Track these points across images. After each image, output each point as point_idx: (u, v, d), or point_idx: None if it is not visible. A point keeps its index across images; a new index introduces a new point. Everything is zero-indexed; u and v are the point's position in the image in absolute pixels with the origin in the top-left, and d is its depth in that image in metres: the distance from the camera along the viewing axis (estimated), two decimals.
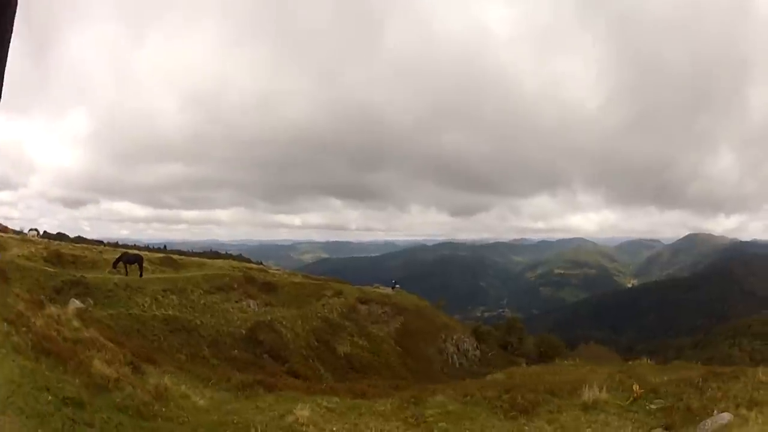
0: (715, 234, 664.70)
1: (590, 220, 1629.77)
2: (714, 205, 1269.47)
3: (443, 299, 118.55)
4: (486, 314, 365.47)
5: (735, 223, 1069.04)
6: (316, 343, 58.47)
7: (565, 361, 47.67)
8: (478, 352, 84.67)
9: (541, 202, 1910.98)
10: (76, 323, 25.60)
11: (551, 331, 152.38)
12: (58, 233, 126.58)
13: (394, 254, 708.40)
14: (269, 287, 66.40)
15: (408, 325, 76.68)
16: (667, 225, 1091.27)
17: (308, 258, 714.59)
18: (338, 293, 75.15)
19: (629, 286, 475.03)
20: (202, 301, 54.47)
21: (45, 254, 54.22)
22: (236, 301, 58.08)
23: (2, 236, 62.36)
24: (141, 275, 54.16)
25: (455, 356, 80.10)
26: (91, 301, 42.38)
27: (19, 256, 50.25)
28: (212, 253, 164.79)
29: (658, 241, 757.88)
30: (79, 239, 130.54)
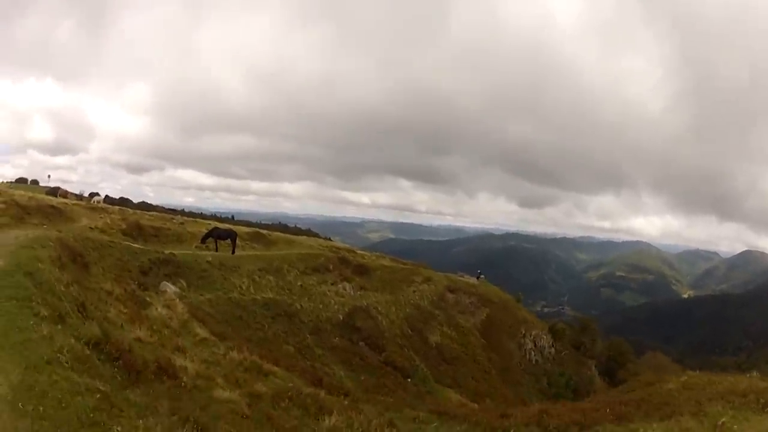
0: None
1: (653, 224, 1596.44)
2: None
3: (520, 293, 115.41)
4: (546, 309, 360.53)
5: None
6: (409, 332, 56.00)
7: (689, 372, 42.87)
8: (553, 350, 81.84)
9: (606, 201, 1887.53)
10: (199, 330, 23.70)
11: (607, 334, 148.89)
12: (121, 198, 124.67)
13: (461, 240, 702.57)
14: (362, 270, 63.45)
15: (492, 318, 74.21)
16: (725, 238, 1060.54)
17: (375, 237, 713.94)
18: (427, 280, 72.81)
19: (685, 296, 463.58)
20: (299, 283, 50.91)
21: (124, 226, 47.90)
22: (332, 284, 54.98)
23: (66, 203, 54.89)
24: (233, 252, 50.28)
25: (532, 352, 77.50)
26: (184, 283, 37.60)
27: (91, 228, 43.72)
28: (294, 229, 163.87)
29: (716, 253, 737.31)
30: (144, 204, 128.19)
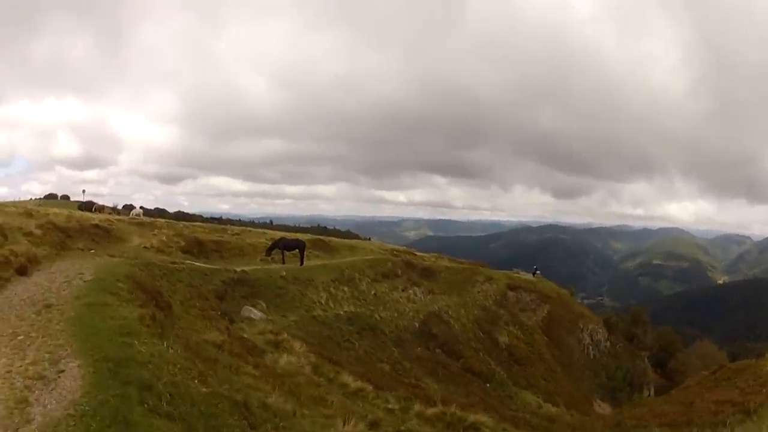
0: None
1: (686, 209, 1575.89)
2: None
3: (573, 288, 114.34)
4: (585, 301, 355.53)
5: None
6: (480, 334, 55.59)
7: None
8: (608, 344, 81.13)
9: (639, 188, 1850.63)
10: (346, 378, 21.32)
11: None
12: (156, 209, 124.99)
13: (498, 235, 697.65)
14: (428, 273, 62.60)
15: (553, 314, 73.72)
16: (756, 221, 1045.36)
17: (412, 235, 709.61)
18: (489, 279, 72.08)
19: (720, 282, 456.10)
20: (372, 292, 48.95)
21: (182, 243, 42.99)
22: (402, 290, 53.72)
23: (110, 220, 48.56)
24: (302, 263, 46.56)
25: (590, 347, 76.88)
26: (263, 304, 34.17)
27: (146, 247, 39.08)
28: (335, 231, 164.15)
29: (748, 237, 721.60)
30: (180, 214, 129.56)
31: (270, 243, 48.49)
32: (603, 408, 60.38)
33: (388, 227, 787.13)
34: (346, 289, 46.00)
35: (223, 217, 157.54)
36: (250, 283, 36.16)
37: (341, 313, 40.61)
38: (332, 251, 59.50)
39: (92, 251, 31.57)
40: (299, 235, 63.10)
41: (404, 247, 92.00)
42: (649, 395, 75.95)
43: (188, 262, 36.35)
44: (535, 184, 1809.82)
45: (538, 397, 47.55)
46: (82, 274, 21.17)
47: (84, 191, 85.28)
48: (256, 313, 30.72)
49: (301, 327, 33.44)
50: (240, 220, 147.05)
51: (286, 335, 25.46)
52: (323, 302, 40.69)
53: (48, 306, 16.25)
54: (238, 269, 37.79)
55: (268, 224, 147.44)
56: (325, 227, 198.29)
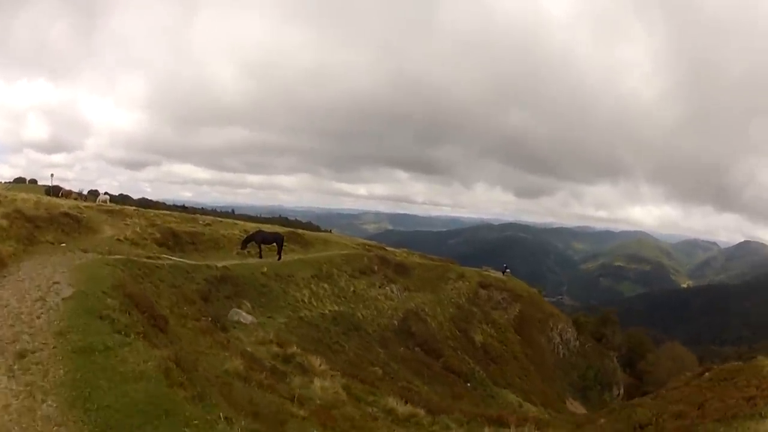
0: None
1: (651, 213, 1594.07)
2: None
3: (541, 287, 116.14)
4: (545, 299, 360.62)
5: None
6: (457, 333, 56.48)
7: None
8: (577, 343, 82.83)
9: (603, 190, 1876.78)
10: (391, 401, 19.96)
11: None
12: (120, 195, 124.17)
13: (458, 231, 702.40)
14: (403, 269, 63.38)
15: (524, 313, 74.82)
16: (723, 228, 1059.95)
17: (372, 228, 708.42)
18: (461, 276, 73.18)
19: (684, 286, 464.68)
20: (351, 289, 49.22)
21: (157, 235, 41.45)
22: (379, 286, 54.13)
23: (80, 207, 46.70)
24: (279, 258, 46.38)
25: (560, 346, 78.30)
26: (248, 304, 33.20)
27: (120, 240, 37.29)
28: (306, 224, 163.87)
29: (714, 243, 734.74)
30: (144, 201, 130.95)
31: (246, 235, 47.91)
32: (575, 406, 61.90)
33: (348, 220, 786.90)
34: (326, 286, 45.90)
35: (186, 205, 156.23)
36: (233, 281, 35.66)
37: (326, 312, 40.55)
38: (307, 245, 59.36)
39: (63, 245, 30.48)
40: (278, 228, 62.93)
41: (374, 242, 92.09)
42: (618, 395, 77.85)
43: (165, 256, 35.51)
44: (498, 182, 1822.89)
45: (517, 396, 48.61)
46: (58, 283, 18.87)
47: (52, 175, 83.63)
48: (245, 317, 30.13)
49: (292, 330, 33.17)
50: (203, 208, 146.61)
51: (296, 348, 24.73)
52: (306, 300, 40.49)
53: (22, 356, 12.31)
54: (219, 265, 37.25)
55: (230, 213, 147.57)
56: (287, 218, 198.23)
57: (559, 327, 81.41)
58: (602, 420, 26.42)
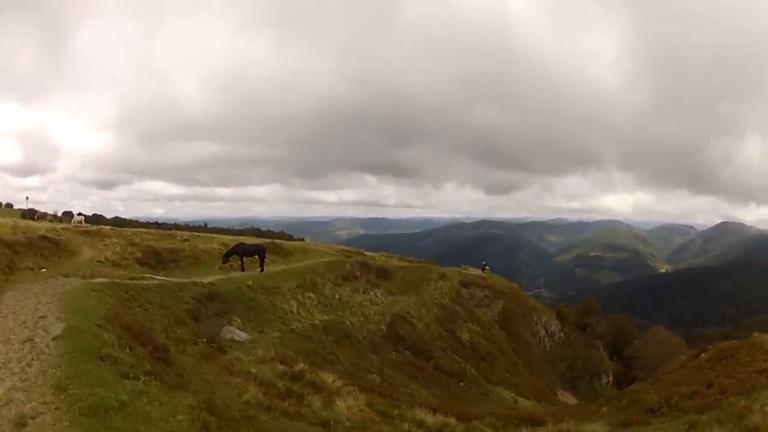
0: (746, 224, 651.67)
1: (625, 201, 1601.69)
2: (745, 193, 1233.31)
3: (518, 282, 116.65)
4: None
5: (765, 214, 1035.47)
6: (444, 333, 56.46)
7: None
8: (562, 335, 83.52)
9: (574, 181, 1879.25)
10: (420, 414, 19.05)
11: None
12: (94, 215, 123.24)
13: (431, 231, 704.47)
14: (384, 273, 62.92)
15: (507, 309, 75.53)
16: (700, 211, 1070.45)
17: (345, 234, 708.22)
18: (442, 276, 73.52)
19: (662, 271, 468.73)
20: (336, 296, 48.57)
21: (138, 254, 40.97)
22: (363, 292, 53.78)
23: (56, 229, 47.01)
24: (262, 270, 45.42)
25: (545, 339, 78.90)
26: (239, 320, 32.45)
27: (101, 261, 36.78)
28: (285, 235, 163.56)
29: (691, 227, 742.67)
30: (118, 220, 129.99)
31: (226, 249, 47.31)
32: (566, 397, 62.32)
33: (321, 227, 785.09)
34: (312, 295, 45.35)
35: (159, 222, 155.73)
36: (221, 298, 34.72)
37: (316, 323, 39.96)
38: (287, 255, 58.93)
39: (44, 270, 29.81)
40: (253, 239, 62.62)
41: (352, 248, 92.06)
42: (608, 383, 78.68)
43: (149, 276, 34.86)
44: (467, 180, 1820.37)
45: (510, 392, 48.88)
46: (44, 318, 17.71)
47: (27, 198, 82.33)
48: (239, 334, 29.26)
49: (286, 343, 32.43)
50: (176, 224, 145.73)
51: (302, 365, 23.82)
52: (295, 312, 39.94)
53: (21, 425, 10.23)
54: (206, 281, 36.48)
55: (204, 228, 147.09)
56: (260, 229, 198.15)
57: (543, 320, 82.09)
58: (604, 408, 26.52)
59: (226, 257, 44.79)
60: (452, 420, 18.64)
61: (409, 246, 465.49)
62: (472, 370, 50.10)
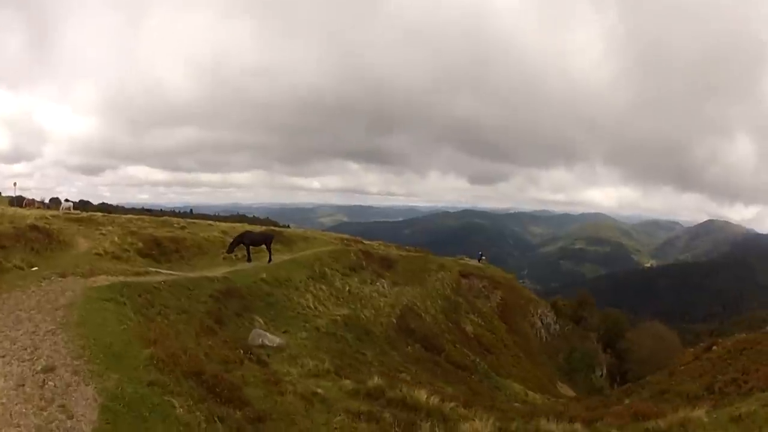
0: (733, 222, 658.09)
1: (609, 195, 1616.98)
2: (732, 192, 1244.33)
3: (514, 272, 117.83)
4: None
5: (752, 214, 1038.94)
6: (451, 325, 56.25)
7: None
8: (557, 327, 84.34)
9: (559, 174, 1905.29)
10: None
11: None
12: (81, 201, 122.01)
13: (415, 220, 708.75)
14: (387, 263, 62.10)
15: (506, 300, 76.50)
16: (685, 207, 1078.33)
17: (328, 221, 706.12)
18: (441, 267, 73.67)
19: (647, 265, 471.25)
20: (346, 288, 45.96)
21: (140, 245, 37.69)
22: (370, 283, 52.00)
23: (46, 216, 43.97)
24: (270, 260, 42.26)
25: (542, 330, 79.58)
26: (260, 320, 29.20)
27: (99, 254, 33.16)
28: (270, 222, 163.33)
29: (677, 223, 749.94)
30: (105, 206, 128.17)
31: (232, 238, 44.33)
32: (565, 390, 62.78)
33: (304, 214, 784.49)
34: (324, 287, 42.66)
35: (146, 208, 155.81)
36: (239, 294, 31.19)
37: (337, 318, 36.13)
38: (289, 243, 56.41)
39: (35, 269, 25.63)
40: (238, 227, 60.83)
41: (350, 236, 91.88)
42: (602, 375, 79.77)
43: (154, 270, 31.36)
44: (451, 169, 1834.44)
45: (520, 385, 49.09)
46: (54, 371, 12.34)
47: (15, 184, 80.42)
48: (270, 338, 25.91)
49: (318, 344, 29.36)
50: (162, 210, 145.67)
51: (377, 380, 19.27)
52: (312, 306, 36.95)
53: None
54: (218, 275, 33.19)
55: (189, 213, 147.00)
56: (244, 215, 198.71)
57: (539, 311, 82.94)
58: (627, 400, 26.70)
59: (232, 246, 41.71)
60: (578, 426, 16.61)
61: (393, 234, 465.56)
62: (482, 363, 50.04)
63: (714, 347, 34.45)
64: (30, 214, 43.99)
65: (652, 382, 34.10)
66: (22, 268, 25.07)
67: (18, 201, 69.00)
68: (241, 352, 20.72)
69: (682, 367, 33.92)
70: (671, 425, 14.81)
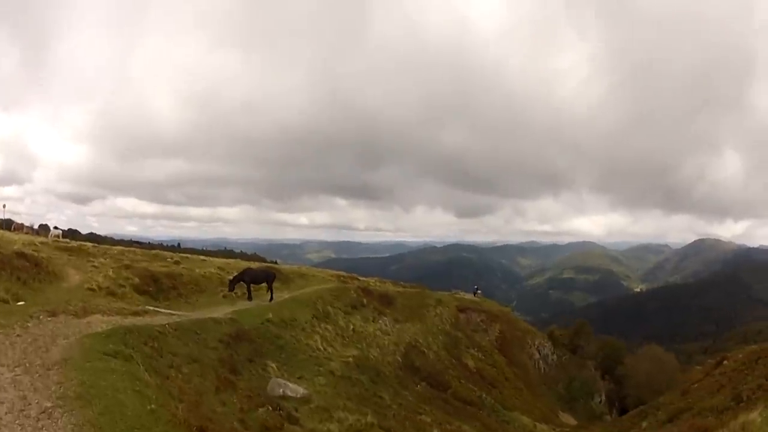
0: (723, 239, 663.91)
1: (597, 223, 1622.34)
2: (721, 209, 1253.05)
3: (510, 305, 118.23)
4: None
5: (742, 229, 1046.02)
6: (453, 361, 56.40)
7: None
8: (555, 357, 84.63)
9: (546, 204, 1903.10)
10: None
11: None
12: (70, 229, 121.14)
13: (403, 255, 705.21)
14: (387, 300, 61.74)
15: (504, 333, 76.73)
16: (674, 229, 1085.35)
17: (315, 257, 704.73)
18: (439, 302, 73.71)
19: (637, 290, 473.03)
20: (351, 327, 44.79)
21: (137, 280, 35.81)
22: (373, 321, 51.40)
23: (35, 243, 42.56)
24: (271, 299, 40.62)
25: (540, 361, 79.89)
26: (273, 365, 27.27)
27: (92, 289, 31.30)
28: (258, 258, 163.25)
29: (666, 245, 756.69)
30: (93, 236, 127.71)
31: (229, 274, 44.51)
32: (566, 419, 63.10)
33: (291, 250, 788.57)
34: (329, 327, 41.37)
35: (134, 240, 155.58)
36: (248, 337, 29.05)
37: (349, 360, 35.10)
38: (287, 281, 55.57)
39: (21, 303, 23.70)
40: (247, 265, 60.29)
41: (345, 273, 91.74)
42: (601, 402, 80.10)
43: (152, 308, 29.75)
44: (437, 204, 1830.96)
45: (527, 417, 49.44)
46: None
47: (5, 206, 79.13)
48: (293, 388, 24.12)
49: (337, 390, 27.91)
50: (150, 243, 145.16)
51: None
52: (321, 348, 35.55)
53: None
54: (224, 316, 30.82)
55: (177, 248, 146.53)
56: (232, 251, 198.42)
57: (536, 343, 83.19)
58: (644, 423, 27.20)
59: (233, 284, 39.89)
60: None
61: (381, 270, 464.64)
62: (488, 397, 50.27)
63: (725, 362, 35.01)
64: (18, 239, 43.43)
65: (666, 403, 34.59)
66: (6, 301, 23.22)
67: (7, 224, 68.27)
68: (269, 408, 19.47)
69: (695, 385, 34.42)
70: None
